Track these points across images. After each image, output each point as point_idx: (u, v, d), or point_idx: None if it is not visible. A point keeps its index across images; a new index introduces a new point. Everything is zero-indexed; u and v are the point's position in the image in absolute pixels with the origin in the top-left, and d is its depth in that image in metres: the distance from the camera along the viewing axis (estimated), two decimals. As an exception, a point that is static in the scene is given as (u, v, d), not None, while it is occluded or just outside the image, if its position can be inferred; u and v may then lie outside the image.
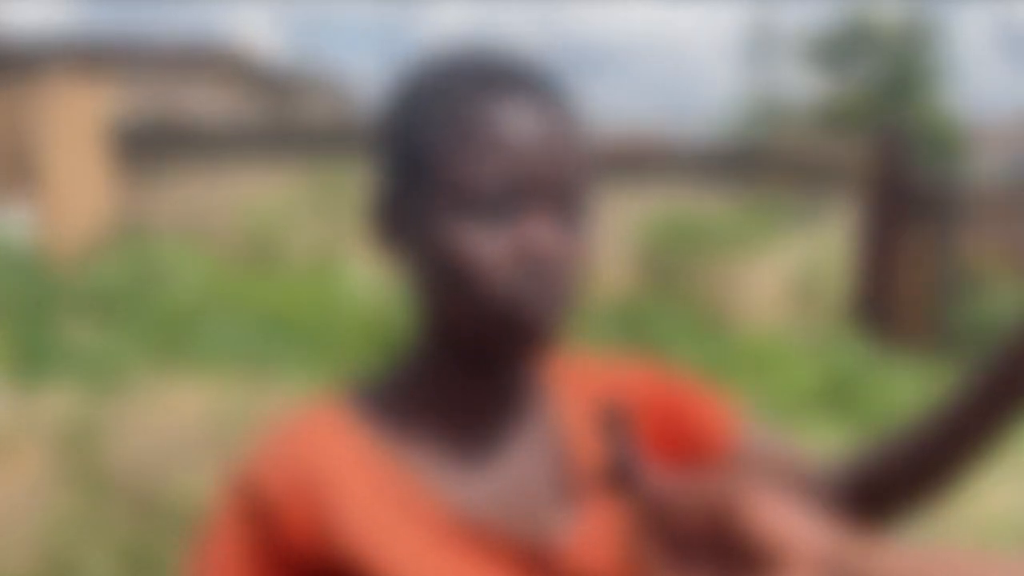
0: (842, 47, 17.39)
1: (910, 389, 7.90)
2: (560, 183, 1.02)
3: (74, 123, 12.65)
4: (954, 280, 10.70)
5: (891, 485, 1.15)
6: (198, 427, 5.30)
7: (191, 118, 11.75)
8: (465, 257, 1.01)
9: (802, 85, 17.74)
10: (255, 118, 11.81)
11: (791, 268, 10.45)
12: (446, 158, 1.01)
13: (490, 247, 1.00)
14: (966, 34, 43.75)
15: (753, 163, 10.76)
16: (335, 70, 17.46)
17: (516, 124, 1.01)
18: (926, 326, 10.48)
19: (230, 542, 1.04)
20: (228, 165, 11.00)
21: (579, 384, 1.12)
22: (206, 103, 12.65)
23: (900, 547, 0.85)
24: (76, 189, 12.54)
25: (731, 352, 8.04)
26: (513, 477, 1.06)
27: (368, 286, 8.84)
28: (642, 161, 10.28)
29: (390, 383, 1.10)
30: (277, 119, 11.84)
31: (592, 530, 1.06)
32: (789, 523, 0.86)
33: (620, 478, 0.96)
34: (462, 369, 1.06)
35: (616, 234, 9.54)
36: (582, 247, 1.04)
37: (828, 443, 7.02)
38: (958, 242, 10.91)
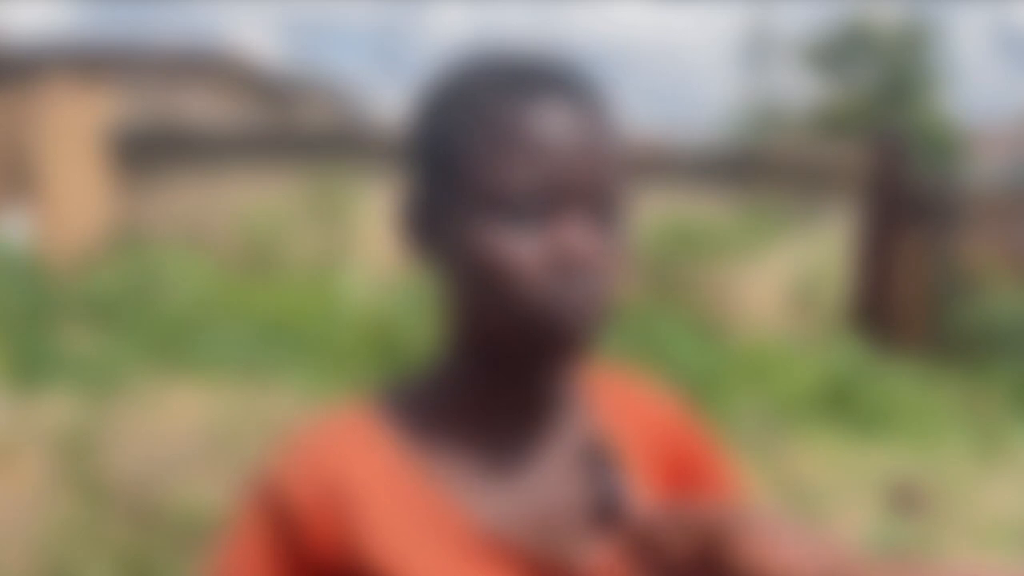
0: (840, 51, 17.40)
1: (908, 392, 7.90)
2: (595, 186, 1.00)
3: (72, 129, 12.65)
4: (952, 283, 10.70)
5: None
6: (197, 434, 5.30)
7: (189, 124, 11.75)
8: (498, 262, 0.98)
9: (800, 89, 17.76)
10: (253, 123, 11.81)
11: (790, 272, 10.45)
12: (479, 162, 0.99)
13: (524, 252, 0.98)
14: (964, 38, 43.77)
15: (751, 167, 10.77)
16: (333, 75, 17.47)
17: (550, 127, 0.99)
18: (924, 329, 10.48)
19: (252, 548, 1.02)
20: (226, 171, 11.00)
21: (609, 400, 1.11)
22: (204, 109, 12.65)
23: (895, 563, 0.85)
24: (74, 195, 12.53)
25: (730, 355, 8.04)
26: (541, 493, 1.04)
27: (366, 292, 8.84)
28: (640, 166, 10.25)
29: (418, 391, 1.07)
30: (275, 124, 11.84)
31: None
32: (781, 549, 0.86)
33: (606, 513, 0.95)
34: (494, 378, 1.04)
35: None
36: (618, 251, 1.02)
37: (827, 446, 6.96)
38: (956, 245, 10.91)
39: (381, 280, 8.82)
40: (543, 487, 1.04)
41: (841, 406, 7.46)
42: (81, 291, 8.60)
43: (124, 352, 7.03)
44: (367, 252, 9.72)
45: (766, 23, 18.10)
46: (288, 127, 11.76)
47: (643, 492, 1.01)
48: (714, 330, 9.22)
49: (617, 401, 1.11)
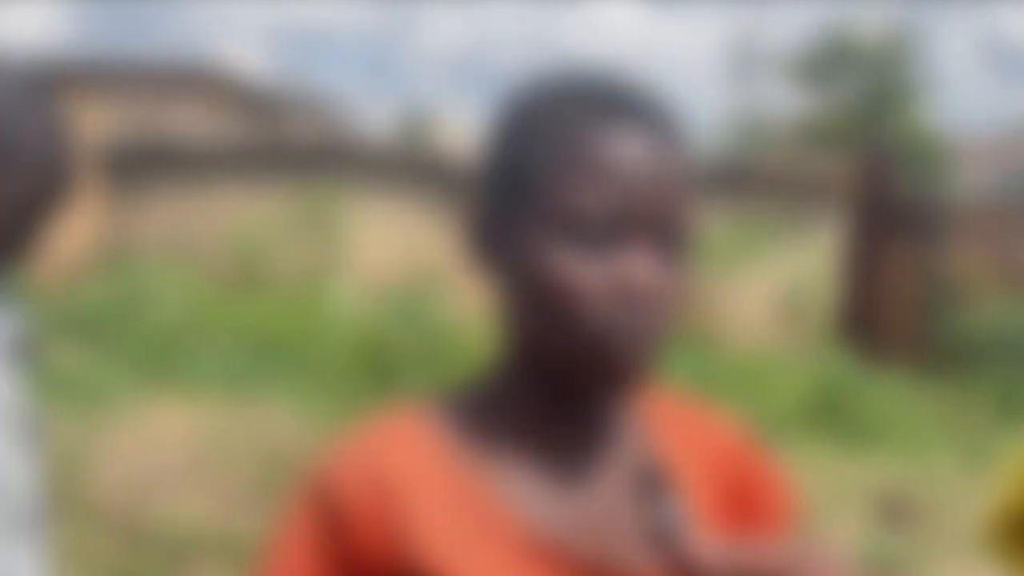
0: (825, 63, 17.46)
1: (896, 403, 7.91)
2: (663, 214, 1.01)
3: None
4: (939, 294, 10.73)
5: None
6: (184, 449, 5.28)
7: (177, 138, 11.74)
8: (563, 285, 1.00)
9: (786, 101, 17.81)
10: (242, 138, 11.80)
11: (776, 284, 10.47)
12: (550, 184, 1.01)
13: (588, 277, 1.00)
14: (949, 49, 44.00)
15: (737, 180, 10.79)
16: (322, 88, 17.48)
17: (622, 153, 1.00)
18: (911, 340, 10.51)
19: (299, 542, 1.03)
20: (215, 185, 10.98)
21: (669, 426, 1.12)
22: (192, 122, 12.64)
23: None
24: (62, 209, 12.49)
25: (718, 367, 8.05)
26: (592, 505, 1.05)
27: (355, 307, 8.83)
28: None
29: (473, 399, 1.09)
30: (264, 139, 11.83)
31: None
32: None
33: (658, 538, 0.95)
34: (548, 394, 1.06)
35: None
36: (681, 281, 1.03)
37: (815, 457, 6.98)
38: (942, 257, 10.95)
39: (370, 294, 8.81)
40: (594, 500, 1.06)
41: (829, 417, 7.47)
42: (68, 306, 8.58)
43: (111, 368, 7.01)
44: (356, 266, 9.71)
45: (752, 35, 18.16)
46: (277, 141, 11.76)
47: (699, 518, 1.02)
48: (701, 341, 9.22)
49: (677, 427, 1.12)
